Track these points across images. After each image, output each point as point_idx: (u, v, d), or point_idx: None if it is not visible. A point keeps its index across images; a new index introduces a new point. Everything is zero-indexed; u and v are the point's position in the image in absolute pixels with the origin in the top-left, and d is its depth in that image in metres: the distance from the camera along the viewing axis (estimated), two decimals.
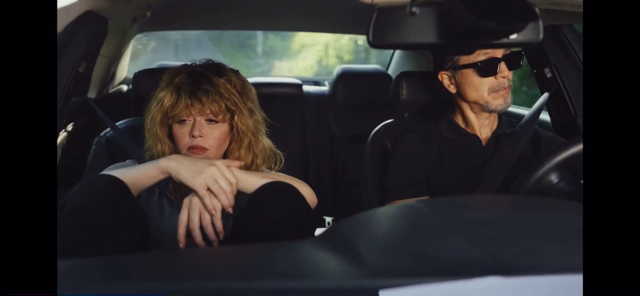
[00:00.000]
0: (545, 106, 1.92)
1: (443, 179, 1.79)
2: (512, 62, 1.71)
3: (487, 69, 1.71)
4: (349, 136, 2.76)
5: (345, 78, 2.77)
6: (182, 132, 1.55)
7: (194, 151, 1.53)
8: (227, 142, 1.60)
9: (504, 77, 1.71)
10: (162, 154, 1.58)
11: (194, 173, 1.33)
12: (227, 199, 1.32)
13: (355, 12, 2.67)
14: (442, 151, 1.82)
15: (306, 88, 2.88)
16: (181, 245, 1.31)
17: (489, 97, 1.73)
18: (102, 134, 1.86)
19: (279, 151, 1.70)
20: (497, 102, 1.73)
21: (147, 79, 1.91)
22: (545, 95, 1.90)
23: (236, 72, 1.65)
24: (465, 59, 1.74)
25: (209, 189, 1.32)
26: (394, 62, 3.17)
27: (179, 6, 2.40)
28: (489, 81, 1.72)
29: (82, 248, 1.22)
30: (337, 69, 2.82)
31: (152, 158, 1.61)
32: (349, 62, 5.91)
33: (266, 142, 1.66)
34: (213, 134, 1.55)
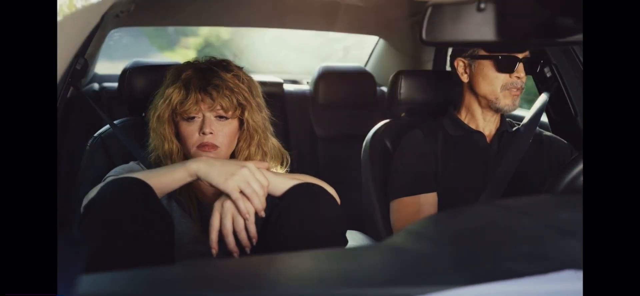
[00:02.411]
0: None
1: (450, 176, 1.79)
2: (530, 66, 1.73)
3: (505, 65, 1.71)
4: (332, 137, 2.73)
5: (326, 76, 2.74)
6: (190, 130, 1.49)
7: (205, 148, 1.47)
8: (236, 140, 1.55)
9: (518, 77, 1.72)
10: (169, 154, 1.52)
11: (226, 175, 1.27)
12: (261, 203, 1.27)
13: (346, 10, 2.65)
14: (448, 148, 1.82)
15: (287, 87, 2.83)
16: (214, 252, 1.25)
17: (500, 94, 1.74)
18: (96, 134, 1.76)
19: (285, 150, 1.65)
20: (506, 102, 1.74)
21: (140, 77, 1.82)
22: (546, 95, 1.91)
23: (241, 68, 1.60)
24: (487, 50, 1.74)
25: (241, 192, 1.26)
26: (372, 59, 3.15)
27: (162, 1, 2.31)
28: (504, 77, 1.73)
29: (111, 254, 1.14)
30: (318, 67, 2.78)
31: (158, 158, 1.54)
32: (225, 40, 6.66)
33: (274, 140, 1.62)
34: (223, 131, 1.49)
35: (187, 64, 1.55)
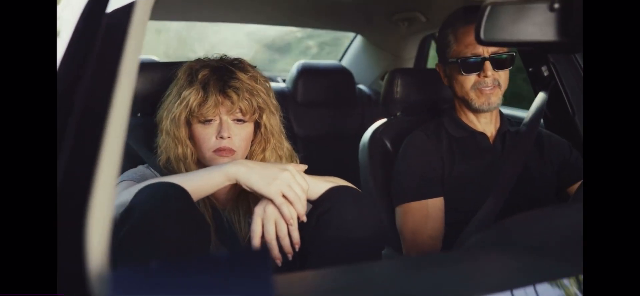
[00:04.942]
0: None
1: (456, 179, 1.77)
2: (499, 63, 1.71)
3: (468, 67, 1.71)
4: (312, 136, 2.68)
5: (305, 74, 2.69)
6: (206, 133, 1.42)
7: (222, 153, 1.41)
8: (250, 143, 1.49)
9: (487, 76, 1.71)
10: (183, 158, 1.44)
11: (267, 179, 1.21)
12: (303, 207, 1.21)
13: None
14: (452, 150, 1.79)
15: None
16: None
17: (472, 94, 1.73)
18: None
19: (295, 153, 1.60)
20: (480, 101, 1.73)
21: (141, 76, 1.72)
22: (543, 94, 1.92)
23: (254, 67, 1.54)
24: (454, 54, 1.74)
25: (283, 196, 1.21)
26: (349, 56, 3.12)
27: None
28: (473, 78, 1.72)
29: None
30: (296, 65, 2.73)
31: (168, 161, 1.46)
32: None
33: (287, 143, 1.56)
34: (240, 135, 1.43)
35: (201, 63, 1.48)
